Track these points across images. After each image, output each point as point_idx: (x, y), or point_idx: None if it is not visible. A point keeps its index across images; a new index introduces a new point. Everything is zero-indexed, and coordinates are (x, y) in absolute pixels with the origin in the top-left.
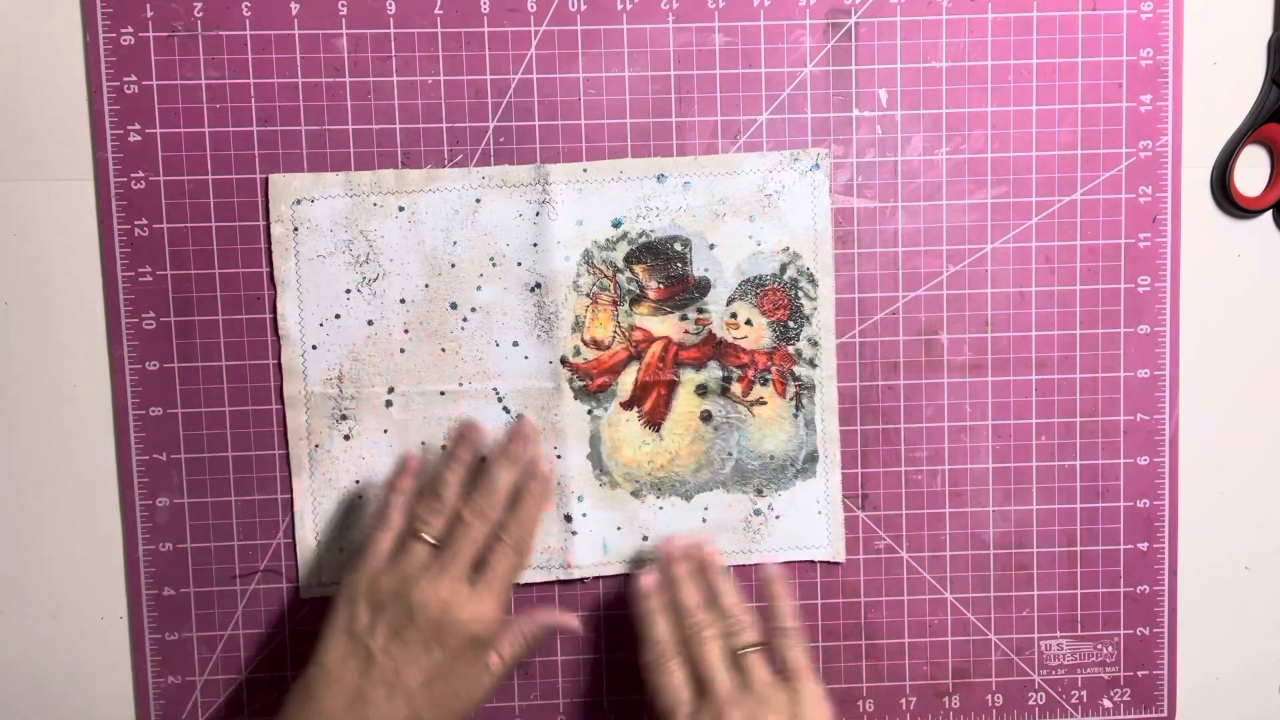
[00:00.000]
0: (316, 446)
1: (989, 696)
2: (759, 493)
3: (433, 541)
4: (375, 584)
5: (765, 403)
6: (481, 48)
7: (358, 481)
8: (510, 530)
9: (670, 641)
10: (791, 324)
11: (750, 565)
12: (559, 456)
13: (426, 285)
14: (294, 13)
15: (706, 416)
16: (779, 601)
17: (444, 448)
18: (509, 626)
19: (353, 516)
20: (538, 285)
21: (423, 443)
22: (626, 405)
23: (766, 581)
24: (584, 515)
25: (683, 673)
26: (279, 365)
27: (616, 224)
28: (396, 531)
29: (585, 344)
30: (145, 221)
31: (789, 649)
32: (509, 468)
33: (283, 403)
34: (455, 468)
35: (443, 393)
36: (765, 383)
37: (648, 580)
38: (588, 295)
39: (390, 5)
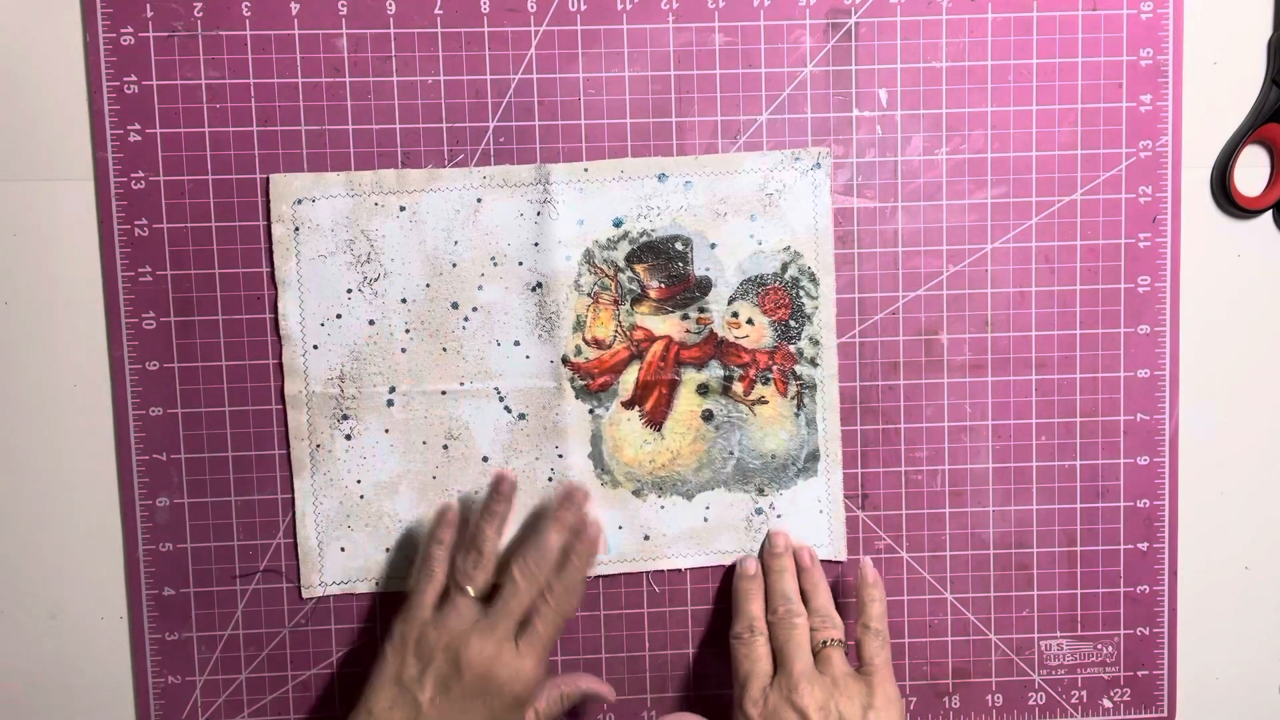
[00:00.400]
0: (318, 446)
1: (989, 696)
2: (760, 492)
3: (473, 594)
4: (424, 636)
5: (767, 402)
6: (481, 48)
7: (359, 481)
8: (555, 593)
9: (761, 619)
10: (793, 323)
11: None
12: (560, 455)
13: (428, 285)
14: (294, 13)
15: (708, 415)
16: (872, 604)
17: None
18: (549, 685)
19: (354, 517)
20: (539, 285)
21: (424, 442)
22: (628, 404)
23: (862, 582)
24: None
25: (767, 648)
26: (279, 365)
27: (617, 223)
28: (439, 583)
29: (586, 343)
30: (145, 221)
31: (872, 648)
32: (560, 531)
33: (283, 402)
34: (492, 521)
35: (444, 392)
36: (767, 382)
37: (750, 563)
38: (589, 295)
39: (390, 5)
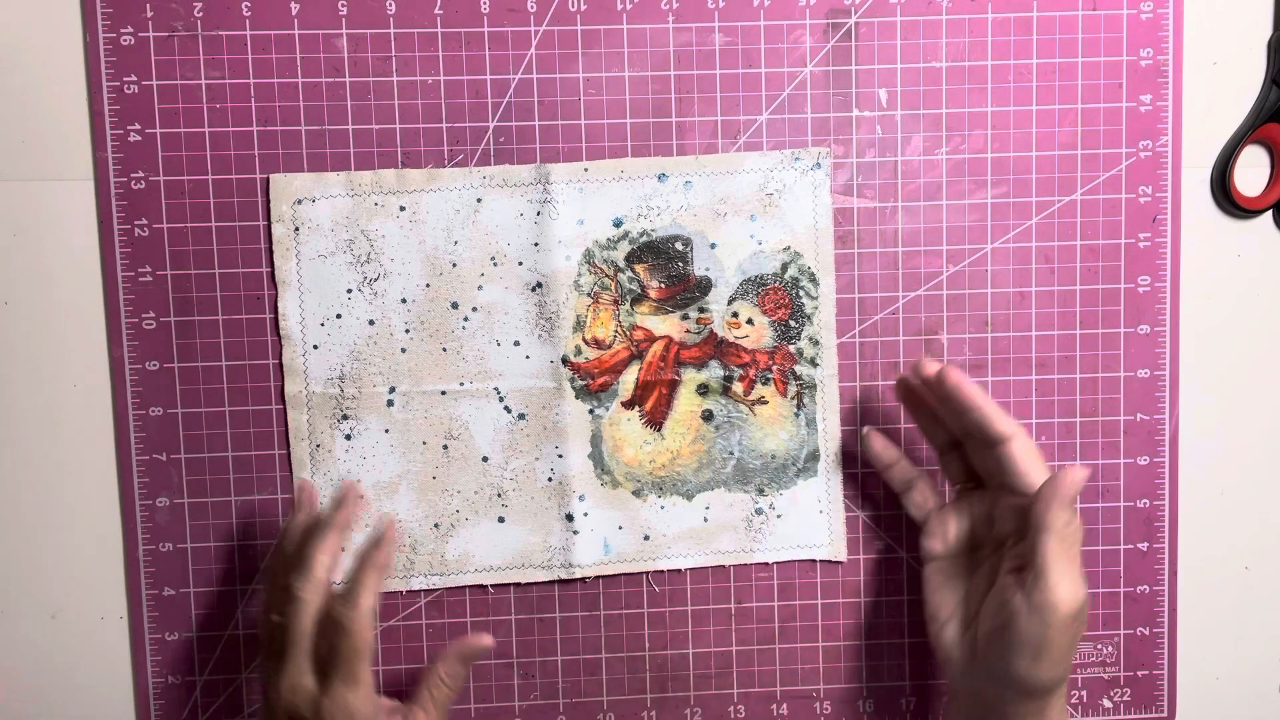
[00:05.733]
0: (318, 446)
1: None
2: (760, 492)
3: (279, 620)
4: (265, 694)
5: (767, 402)
6: (481, 48)
7: (359, 481)
8: (339, 606)
9: None
10: (793, 323)
11: (752, 565)
12: (560, 456)
13: (427, 285)
14: (294, 13)
15: (708, 416)
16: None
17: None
18: (427, 674)
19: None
20: (539, 285)
21: (424, 442)
22: (628, 404)
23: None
24: (585, 515)
25: None
26: (279, 365)
27: (617, 223)
28: (264, 609)
29: (586, 343)
30: (145, 221)
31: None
32: (325, 536)
33: (283, 402)
34: (286, 545)
35: (444, 392)
36: (766, 382)
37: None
38: (589, 294)
39: (390, 5)
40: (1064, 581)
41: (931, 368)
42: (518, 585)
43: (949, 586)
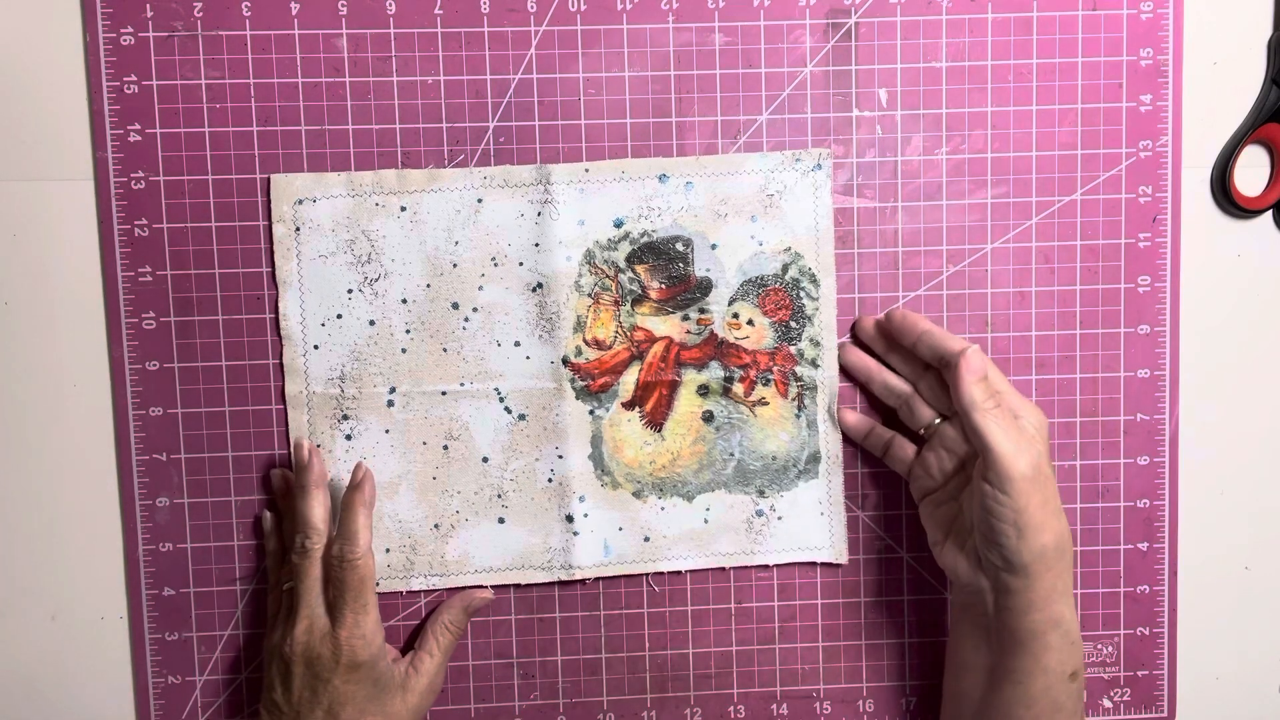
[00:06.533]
0: (318, 446)
1: None
2: (761, 493)
3: (290, 586)
4: (269, 648)
5: (767, 403)
6: (481, 48)
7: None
8: (339, 546)
9: None
10: (793, 324)
11: (753, 567)
12: (560, 457)
13: (428, 285)
14: (294, 13)
15: (708, 417)
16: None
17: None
18: (433, 621)
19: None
20: (539, 285)
21: (424, 442)
22: (628, 405)
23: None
24: (585, 515)
25: None
26: (280, 365)
27: (618, 224)
28: (271, 588)
29: (587, 344)
30: (145, 221)
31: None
32: (309, 494)
33: (283, 402)
34: (307, 494)
35: (444, 393)
36: (767, 383)
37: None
38: (589, 295)
39: (390, 5)
40: (1005, 448)
41: (883, 316)
42: (518, 586)
43: (942, 511)
